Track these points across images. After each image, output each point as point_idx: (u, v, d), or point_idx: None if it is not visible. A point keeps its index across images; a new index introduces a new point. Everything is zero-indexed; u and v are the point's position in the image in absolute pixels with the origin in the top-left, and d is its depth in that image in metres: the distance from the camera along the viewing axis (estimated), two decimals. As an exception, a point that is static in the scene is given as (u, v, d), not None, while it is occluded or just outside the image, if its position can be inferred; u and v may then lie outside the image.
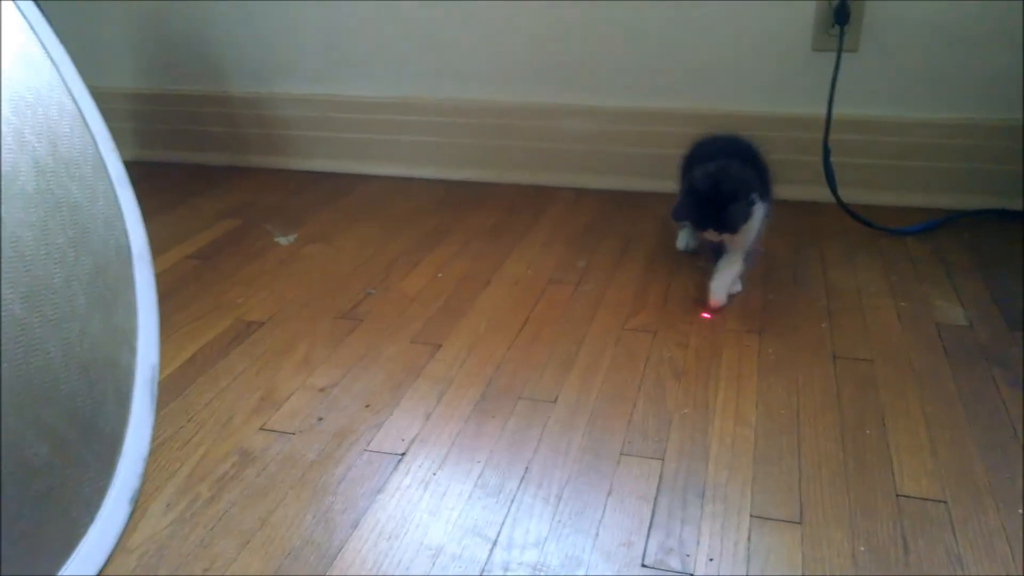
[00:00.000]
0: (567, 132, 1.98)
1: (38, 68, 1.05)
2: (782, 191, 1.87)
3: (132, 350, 1.10)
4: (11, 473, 0.81)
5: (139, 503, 0.99)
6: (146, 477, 1.03)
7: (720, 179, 1.34)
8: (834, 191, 1.71)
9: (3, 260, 0.86)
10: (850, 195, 1.74)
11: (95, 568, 0.89)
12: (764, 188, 1.42)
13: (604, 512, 0.97)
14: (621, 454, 1.07)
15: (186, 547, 0.93)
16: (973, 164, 1.77)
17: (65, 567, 0.85)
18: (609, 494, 0.99)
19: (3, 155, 0.91)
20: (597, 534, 0.93)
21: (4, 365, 0.82)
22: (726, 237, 1.38)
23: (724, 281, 1.43)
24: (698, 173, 1.37)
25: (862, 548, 0.91)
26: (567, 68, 1.93)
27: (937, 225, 1.72)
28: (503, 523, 0.96)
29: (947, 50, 1.72)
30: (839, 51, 1.70)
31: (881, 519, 0.95)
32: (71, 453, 0.91)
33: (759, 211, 1.37)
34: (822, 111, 1.72)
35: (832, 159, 1.71)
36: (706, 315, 1.40)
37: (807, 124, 1.78)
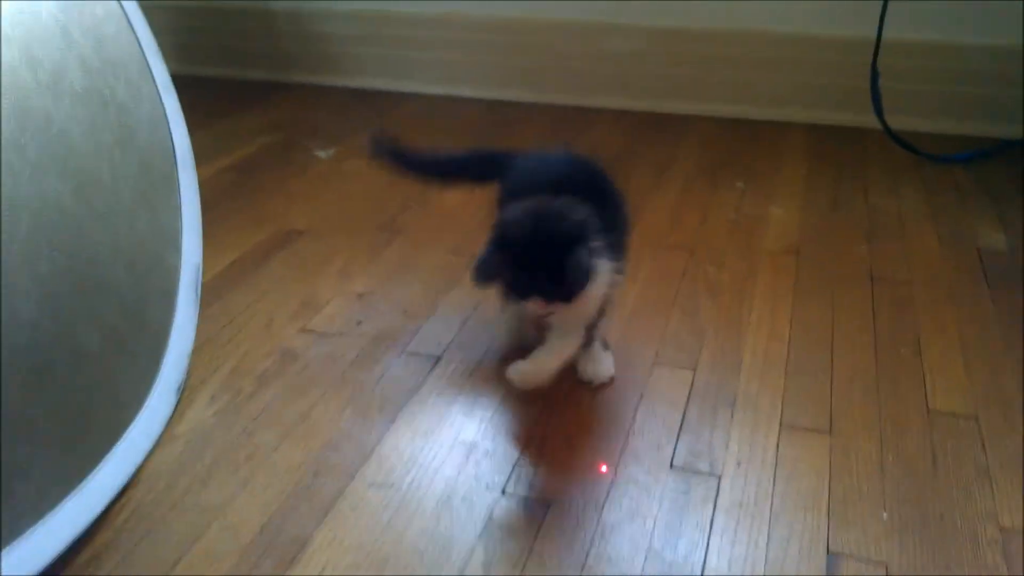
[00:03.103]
0: (609, 52, 1.95)
1: (84, -34, 1.05)
2: (826, 116, 1.85)
3: (177, 249, 1.12)
4: (64, 359, 0.84)
5: (184, 395, 1.03)
6: (190, 372, 1.07)
7: (546, 217, 0.90)
8: (881, 117, 1.68)
9: (55, 153, 0.88)
10: (896, 121, 1.70)
11: (143, 452, 0.93)
12: (616, 237, 0.95)
13: (635, 417, 0.98)
14: (653, 364, 1.08)
15: (230, 436, 0.96)
16: (1025, 92, 1.72)
17: (115, 449, 0.89)
18: (640, 400, 1.01)
19: (52, 52, 0.92)
20: (627, 437, 0.95)
21: (55, 254, 0.85)
22: (556, 309, 0.91)
23: (539, 366, 0.98)
24: (511, 211, 0.93)
25: (890, 459, 0.92)
26: (611, -15, 1.90)
27: (985, 154, 1.68)
28: (535, 423, 0.98)
29: (1005, -28, 1.66)
30: (892, -30, 1.65)
31: (911, 433, 0.96)
32: (120, 344, 0.94)
33: (604, 271, 0.91)
34: (871, 33, 1.67)
35: (880, 83, 1.67)
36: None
37: (855, 46, 1.73)
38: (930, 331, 1.14)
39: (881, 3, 1.64)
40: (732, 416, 0.99)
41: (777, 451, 0.93)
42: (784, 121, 1.87)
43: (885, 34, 1.66)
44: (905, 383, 1.04)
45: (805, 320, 1.17)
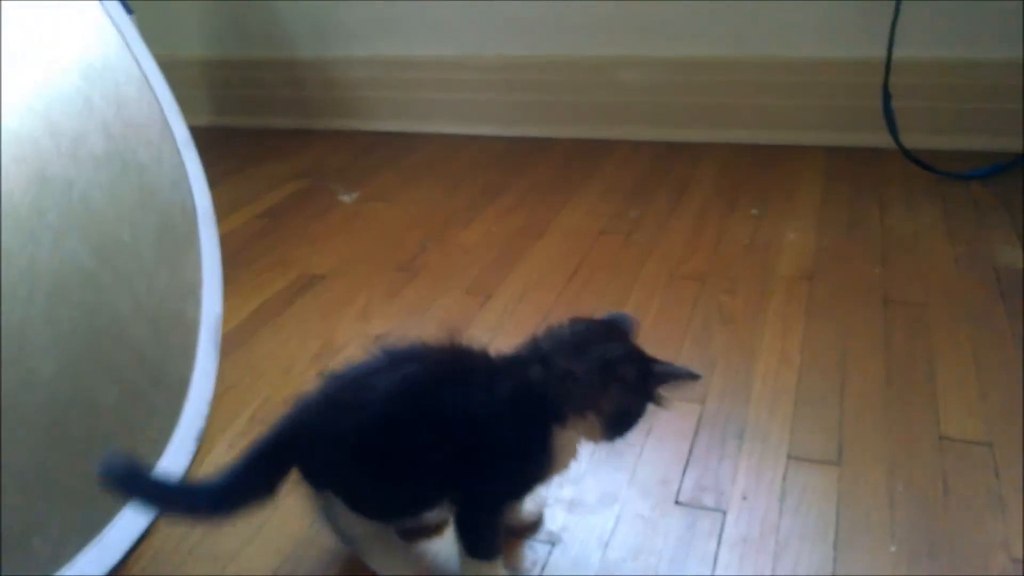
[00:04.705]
0: (623, 84, 1.98)
1: (105, 34, 1.10)
2: (842, 138, 1.85)
3: (197, 303, 1.16)
4: (81, 415, 0.87)
5: (204, 443, 1.06)
6: (211, 419, 1.10)
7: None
8: (895, 136, 1.67)
9: (76, 216, 0.92)
10: (912, 140, 1.69)
11: (165, 500, 0.96)
12: None
13: (642, 451, 0.99)
14: (663, 397, 1.09)
15: (247, 482, 0.99)
16: (1044, 105, 1.70)
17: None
18: (648, 434, 1.02)
19: (73, 119, 0.97)
20: (634, 472, 0.96)
21: (76, 313, 0.89)
22: None
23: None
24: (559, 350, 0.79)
25: (900, 488, 0.91)
26: (620, 19, 1.92)
27: (1003, 169, 1.66)
28: (544, 462, 0.99)
29: (1016, -15, 1.65)
30: (900, -10, 1.65)
31: (922, 460, 0.95)
32: (138, 398, 0.98)
33: None
34: (881, 53, 1.67)
35: (893, 103, 1.67)
36: None
37: (866, 67, 1.73)
38: (944, 354, 1.13)
39: (890, 24, 1.64)
40: (740, 448, 0.99)
41: (784, 482, 0.93)
42: (799, 145, 1.87)
43: (896, 53, 1.65)
44: (917, 409, 1.03)
45: (816, 346, 1.17)
